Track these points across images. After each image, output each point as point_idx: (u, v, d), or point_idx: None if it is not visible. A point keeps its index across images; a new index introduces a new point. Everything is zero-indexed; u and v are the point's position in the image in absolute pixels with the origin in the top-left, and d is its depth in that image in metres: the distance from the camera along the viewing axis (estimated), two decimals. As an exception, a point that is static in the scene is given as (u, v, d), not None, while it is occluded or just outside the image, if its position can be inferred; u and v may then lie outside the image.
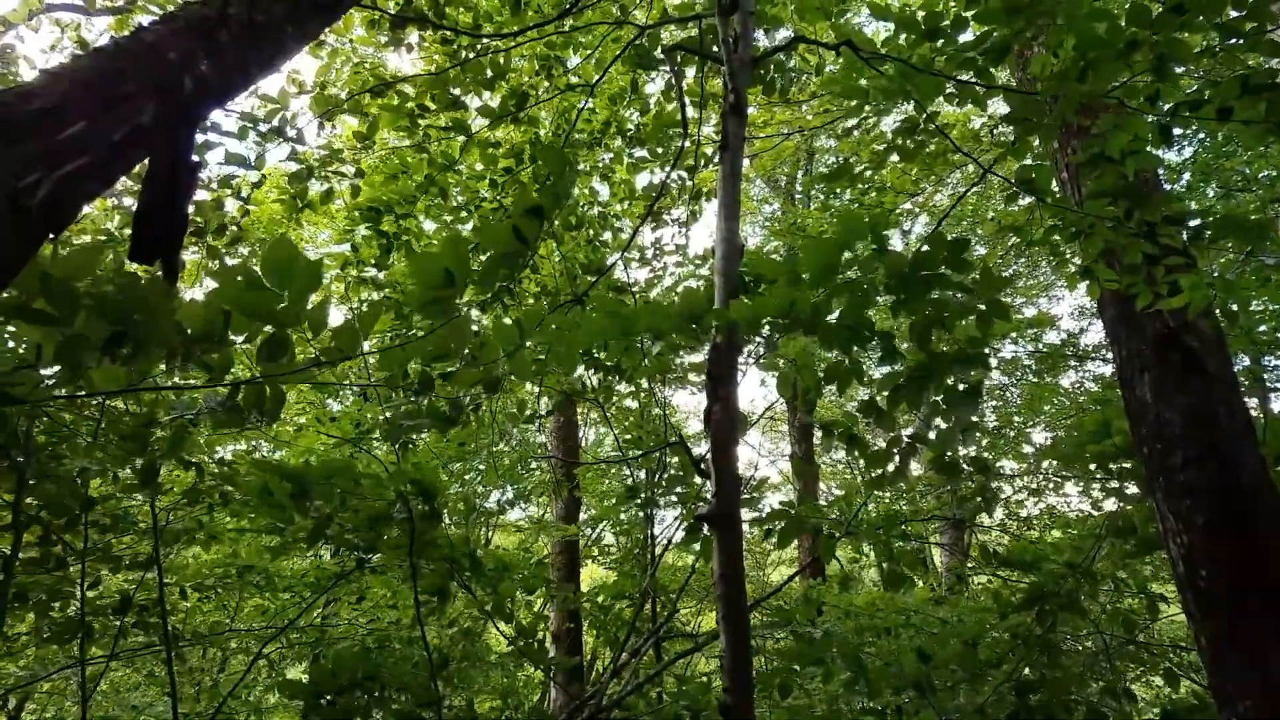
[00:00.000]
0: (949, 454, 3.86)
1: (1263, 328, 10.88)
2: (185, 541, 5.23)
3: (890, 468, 3.98)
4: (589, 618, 6.63)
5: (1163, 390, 4.92)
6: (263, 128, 5.14)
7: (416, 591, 4.13)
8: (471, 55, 5.50)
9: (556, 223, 5.81)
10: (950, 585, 9.87)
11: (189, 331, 2.21)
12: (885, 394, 3.97)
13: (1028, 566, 5.57)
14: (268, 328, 2.27)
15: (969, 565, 10.81)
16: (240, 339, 2.28)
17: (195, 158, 2.17)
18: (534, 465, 10.05)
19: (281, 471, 3.77)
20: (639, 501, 5.80)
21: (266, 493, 3.72)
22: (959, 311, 3.33)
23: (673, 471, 5.63)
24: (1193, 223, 3.95)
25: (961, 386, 3.80)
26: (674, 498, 5.52)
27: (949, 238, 3.39)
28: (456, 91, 5.50)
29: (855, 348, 3.67)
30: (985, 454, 11.50)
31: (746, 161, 11.18)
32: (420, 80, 5.57)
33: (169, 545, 5.21)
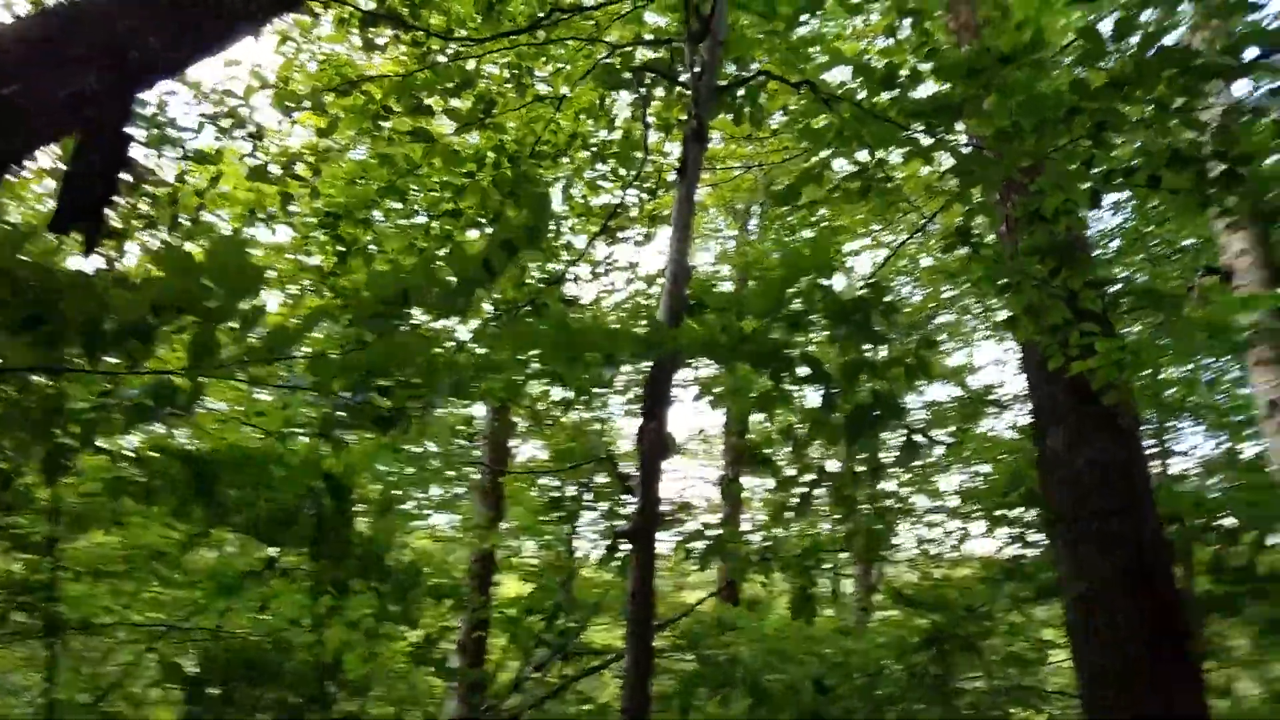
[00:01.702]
0: (848, 490, 3.97)
1: (1170, 391, 11.45)
2: (88, 526, 5.01)
3: (798, 498, 4.07)
4: (500, 629, 6.59)
5: (1076, 442, 5.13)
6: (223, 123, 5.02)
7: (317, 590, 4.05)
8: (442, 59, 5.45)
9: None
10: (858, 618, 10.05)
11: (116, 318, 2.13)
12: (806, 426, 4.05)
13: (931, 607, 5.72)
14: (198, 322, 2.21)
15: (878, 599, 11.04)
16: (170, 330, 2.21)
17: (132, 131, 2.11)
18: (462, 470, 9.92)
19: (185, 457, 3.65)
20: (563, 514, 5.79)
21: (170, 479, 3.60)
22: (885, 364, 3.43)
23: (598, 488, 5.64)
24: (1113, 289, 4.16)
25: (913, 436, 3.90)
26: (598, 513, 5.52)
27: (883, 287, 3.49)
28: (423, 96, 5.45)
29: (786, 376, 3.74)
30: (902, 491, 11.78)
31: (706, 190, 11.31)
32: (387, 82, 5.49)
33: (72, 529, 4.98)
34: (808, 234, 9.01)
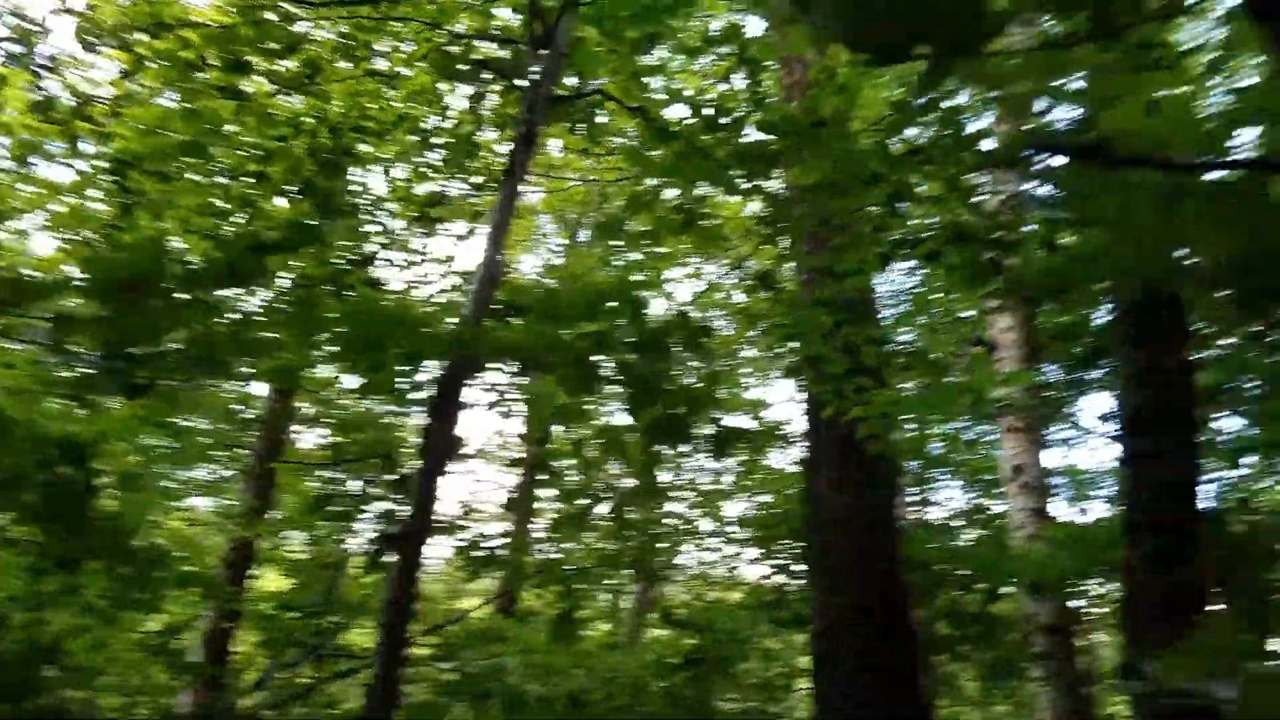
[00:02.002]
0: (631, 508, 4.05)
1: (936, 445, 12.56)
2: None
3: (580, 512, 4.11)
4: (253, 624, 6.16)
5: (841, 485, 5.49)
6: (12, 46, 4.44)
7: (40, 566, 3.63)
8: (271, 17, 5.10)
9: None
10: (631, 634, 10.26)
11: None
12: (601, 442, 4.09)
13: (696, 628, 5.92)
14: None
15: (652, 617, 11.30)
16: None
17: None
18: (233, 453, 9.25)
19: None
20: (336, 510, 5.51)
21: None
22: (680, 388, 3.55)
23: (378, 485, 5.42)
24: (890, 348, 4.51)
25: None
26: (372, 511, 5.30)
27: (689, 316, 3.58)
28: (244, 52, 5.06)
29: (589, 389, 3.77)
30: (689, 513, 12.16)
31: (539, 195, 11.23)
32: (206, 31, 5.07)
33: None
34: (635, 256, 9.17)
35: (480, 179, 5.77)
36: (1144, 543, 4.24)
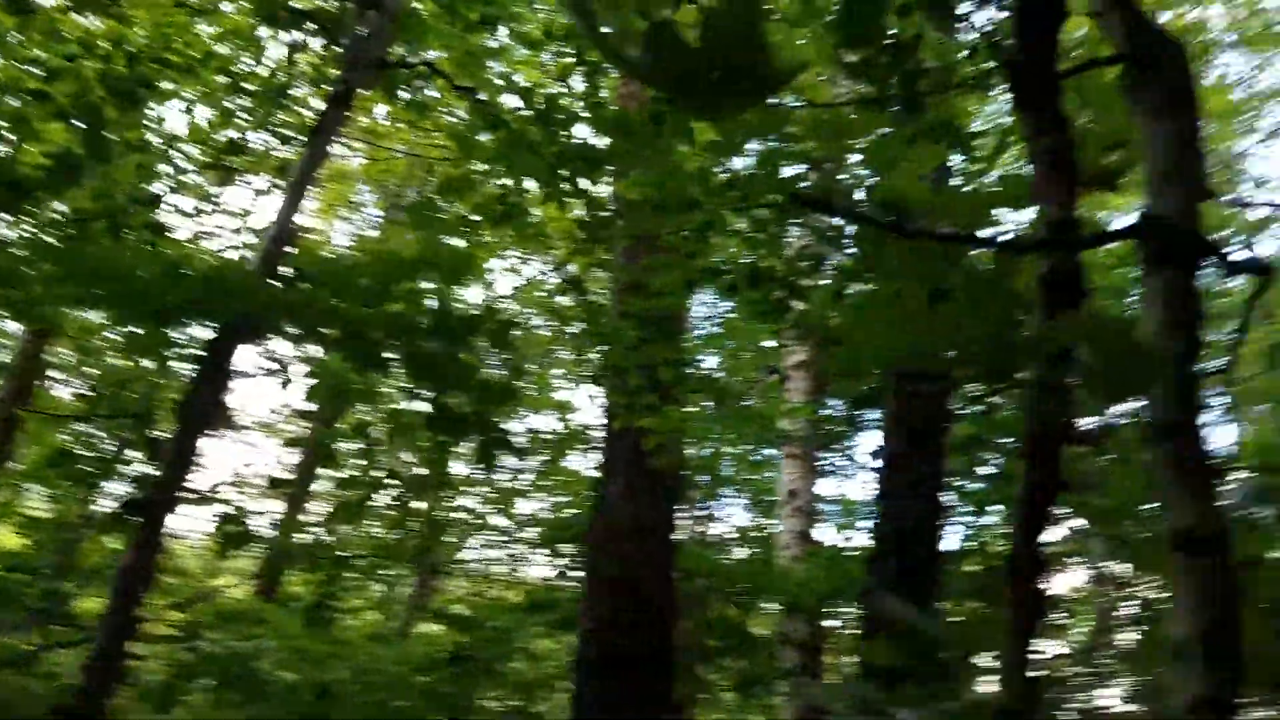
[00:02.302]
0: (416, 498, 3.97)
1: (726, 464, 13.12)
2: None
3: (359, 498, 3.98)
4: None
5: (628, 494, 5.62)
6: None
7: None
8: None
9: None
10: (403, 626, 9.96)
11: None
12: (391, 426, 3.98)
13: (467, 625, 5.85)
14: None
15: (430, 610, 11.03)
16: None
17: None
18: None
19: None
20: (82, 467, 5.00)
21: None
22: (477, 381, 3.50)
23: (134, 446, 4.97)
24: (687, 368, 4.67)
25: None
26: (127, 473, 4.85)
27: (497, 310, 3.55)
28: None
29: (376, 368, 3.63)
30: (480, 508, 12.00)
31: (358, 162, 10.71)
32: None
33: None
34: (454, 241, 8.94)
35: (289, 134, 5.42)
36: (885, 570, 4.63)
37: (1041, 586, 1.53)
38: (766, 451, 11.34)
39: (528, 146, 3.96)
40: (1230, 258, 1.63)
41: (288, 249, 3.67)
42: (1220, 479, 1.22)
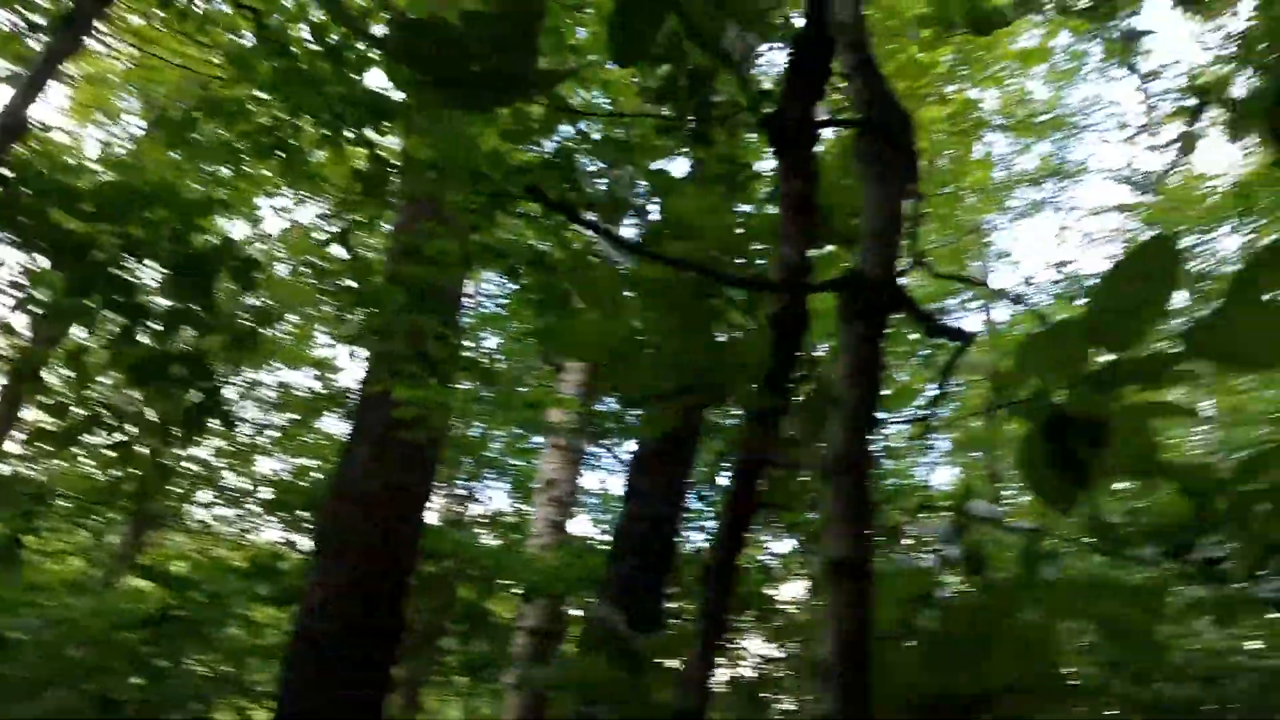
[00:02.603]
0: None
1: (496, 445, 13.05)
2: None
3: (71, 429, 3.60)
4: None
5: (377, 465, 5.41)
6: None
7: None
8: None
9: None
10: (107, 576, 9.07)
11: None
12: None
13: (176, 584, 5.41)
14: None
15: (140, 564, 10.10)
16: None
17: None
18: None
19: None
20: None
21: None
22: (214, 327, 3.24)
23: None
24: (464, 346, 4.57)
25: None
26: None
27: (238, 247, 3.31)
28: None
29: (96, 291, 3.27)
30: (214, 461, 11.16)
31: (123, 66, 9.57)
32: None
33: None
34: (218, 168, 8.21)
35: (38, 20, 4.72)
36: (623, 566, 4.77)
37: (730, 595, 1.62)
38: (537, 439, 11.39)
39: (311, 82, 3.69)
40: (933, 322, 1.80)
41: (15, 145, 3.21)
42: (875, 514, 1.32)
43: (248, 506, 10.50)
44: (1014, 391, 1.63)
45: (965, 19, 3.07)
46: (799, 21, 1.59)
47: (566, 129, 3.79)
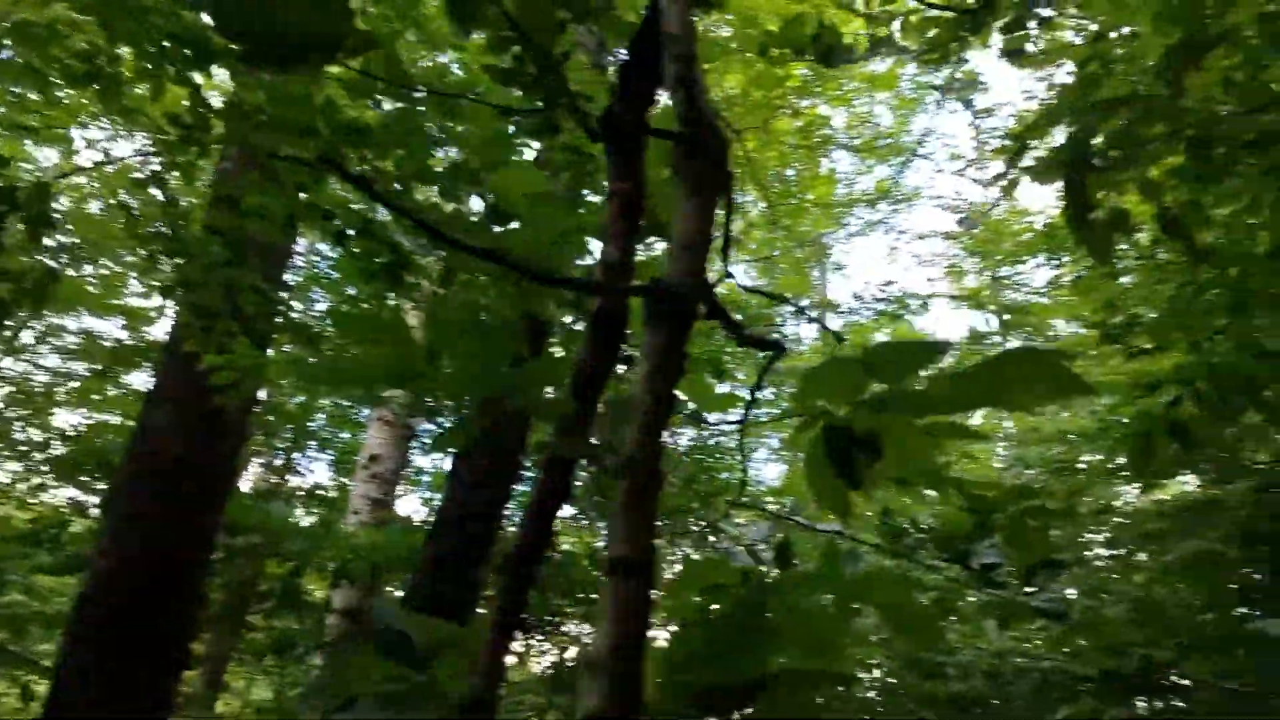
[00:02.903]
0: None
1: (321, 417, 12.50)
2: None
3: None
4: None
5: (174, 426, 5.05)
6: None
7: None
8: None
9: None
10: None
11: None
12: None
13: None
14: None
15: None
16: None
17: None
18: None
19: None
20: None
21: None
22: None
23: None
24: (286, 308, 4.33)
25: None
26: None
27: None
28: None
29: None
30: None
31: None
32: None
33: None
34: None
35: None
36: (440, 545, 4.71)
37: (527, 585, 1.62)
38: (365, 413, 11.01)
39: (133, 11, 3.38)
40: (743, 332, 1.87)
41: None
42: (657, 514, 1.35)
43: (38, 463, 9.56)
44: (807, 410, 1.72)
45: (812, 49, 3.19)
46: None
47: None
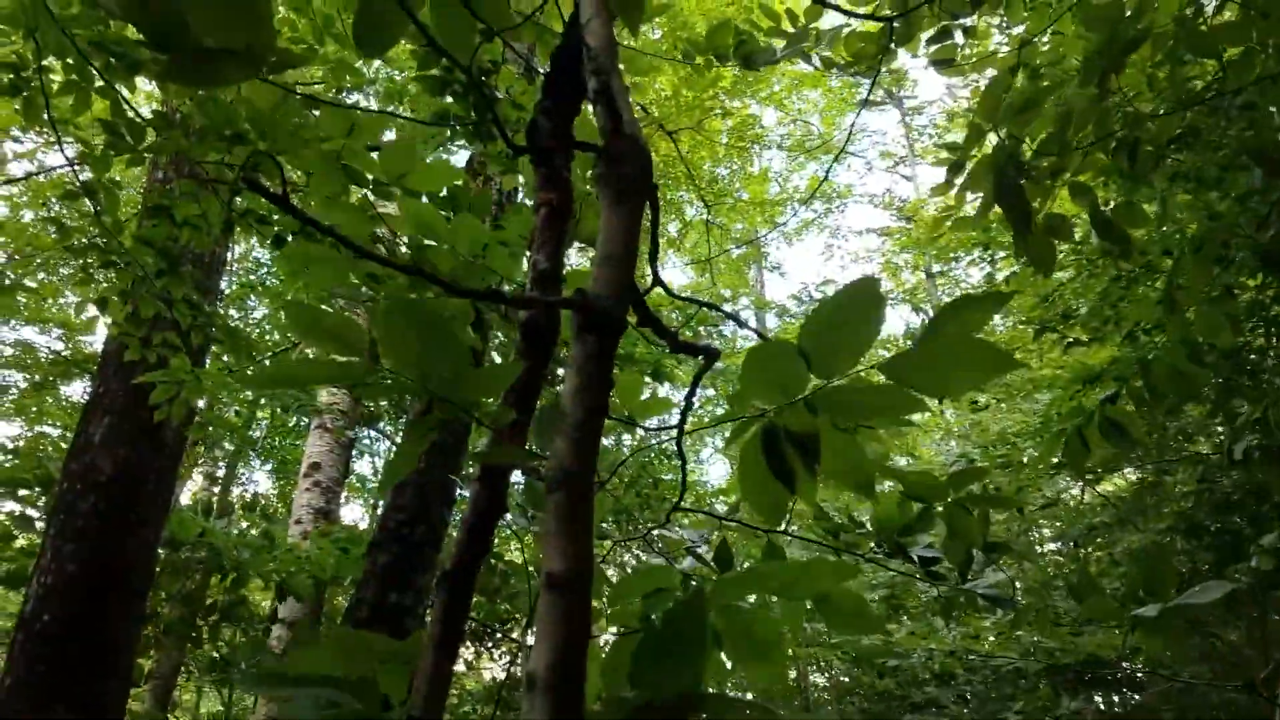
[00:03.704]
0: None
1: (263, 425, 12.25)
2: None
3: None
4: None
5: (111, 439, 4.93)
6: None
7: None
8: None
9: None
10: None
11: None
12: None
13: None
14: None
15: None
16: None
17: None
18: None
19: None
20: None
21: None
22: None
23: None
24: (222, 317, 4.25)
25: None
26: None
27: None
28: None
29: None
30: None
31: None
32: None
33: None
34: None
35: None
36: (379, 558, 4.66)
37: (467, 599, 1.61)
38: (306, 422, 10.81)
39: (55, 20, 3.28)
40: (676, 340, 1.89)
41: None
42: (593, 527, 1.36)
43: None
44: (743, 410, 1.74)
45: (735, 53, 3.24)
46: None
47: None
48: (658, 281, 1.71)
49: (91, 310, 4.41)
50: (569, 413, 1.31)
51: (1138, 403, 3.85)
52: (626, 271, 1.31)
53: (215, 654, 8.07)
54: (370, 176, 2.21)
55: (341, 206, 2.16)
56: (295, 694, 1.25)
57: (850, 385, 1.51)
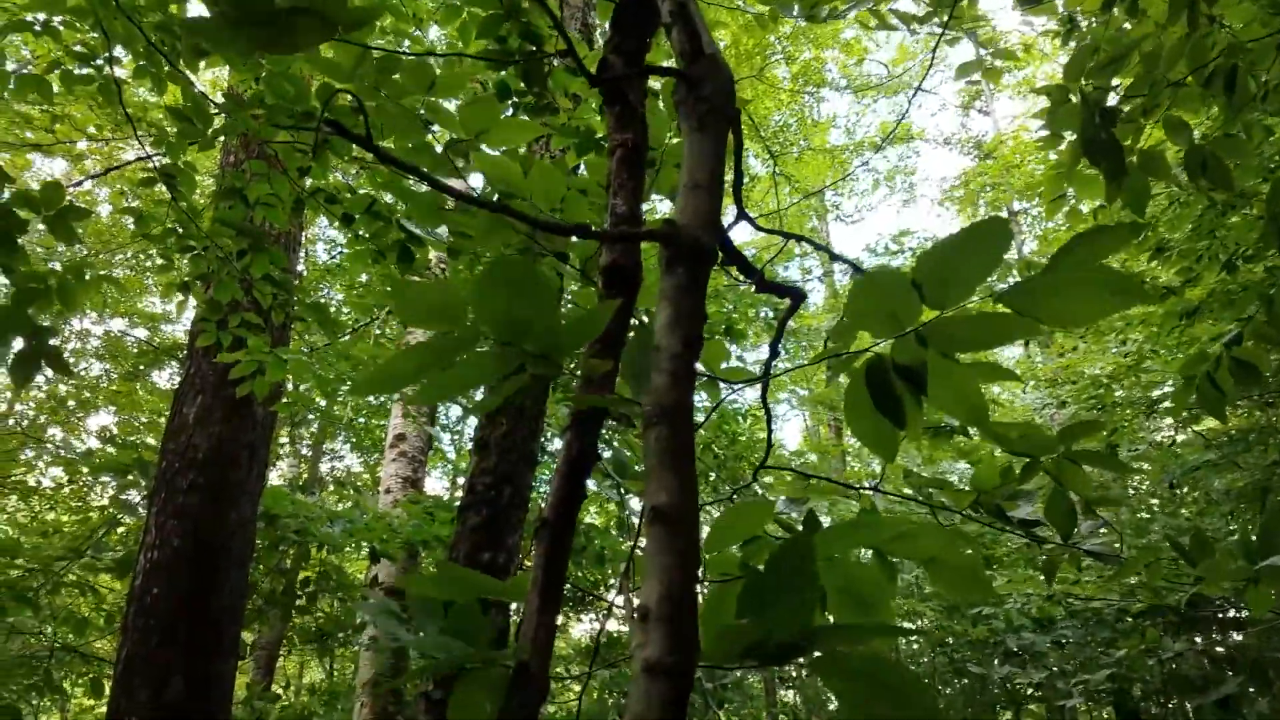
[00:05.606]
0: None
1: (344, 402, 12.59)
2: None
3: None
4: None
5: (205, 418, 5.11)
6: None
7: None
8: None
9: None
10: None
11: None
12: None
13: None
14: None
15: None
16: None
17: None
18: None
19: None
20: None
21: None
22: None
23: None
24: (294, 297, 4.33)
25: None
26: None
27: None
28: None
29: None
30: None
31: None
32: None
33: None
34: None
35: None
36: (469, 519, 4.74)
37: (565, 550, 1.61)
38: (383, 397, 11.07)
39: (124, 10, 3.35)
40: (762, 277, 1.83)
41: None
42: (695, 462, 1.33)
43: (80, 467, 9.73)
44: (846, 345, 1.68)
45: (802, 6, 3.11)
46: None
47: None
48: (742, 214, 1.65)
49: (177, 296, 4.54)
50: (663, 347, 1.27)
51: (1264, 340, 3.62)
52: (714, 200, 1.26)
53: (314, 624, 8.39)
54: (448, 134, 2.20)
55: (423, 158, 2.16)
56: (416, 610, 1.25)
57: (961, 316, 1.44)
